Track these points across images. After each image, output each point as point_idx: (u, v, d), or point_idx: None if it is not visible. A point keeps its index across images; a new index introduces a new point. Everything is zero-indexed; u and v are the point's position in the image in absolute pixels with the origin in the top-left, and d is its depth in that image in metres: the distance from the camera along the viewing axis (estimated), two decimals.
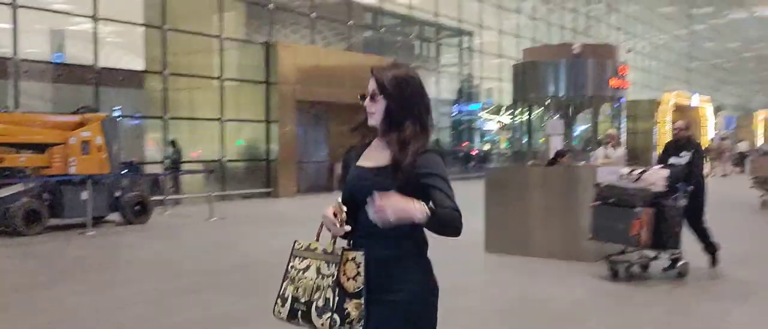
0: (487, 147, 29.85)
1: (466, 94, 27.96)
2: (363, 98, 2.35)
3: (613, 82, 20.05)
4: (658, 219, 6.61)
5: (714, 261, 7.37)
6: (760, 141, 49.09)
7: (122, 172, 12.26)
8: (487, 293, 6.87)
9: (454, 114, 27.60)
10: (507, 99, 28.14)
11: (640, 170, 7.34)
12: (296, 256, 2.34)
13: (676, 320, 5.77)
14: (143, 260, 8.86)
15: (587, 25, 34.85)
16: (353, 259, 2.19)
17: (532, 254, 8.17)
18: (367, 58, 20.44)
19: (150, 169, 16.11)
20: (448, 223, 2.14)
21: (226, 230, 11.58)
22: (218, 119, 17.06)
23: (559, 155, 8.94)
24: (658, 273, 7.11)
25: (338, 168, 19.70)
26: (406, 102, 2.30)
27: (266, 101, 17.75)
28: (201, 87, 17.47)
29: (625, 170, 7.87)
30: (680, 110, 36.95)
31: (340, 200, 2.28)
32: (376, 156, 2.32)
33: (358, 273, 2.18)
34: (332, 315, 2.16)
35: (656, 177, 6.84)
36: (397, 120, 2.29)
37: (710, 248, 7.36)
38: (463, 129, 28.37)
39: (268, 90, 17.73)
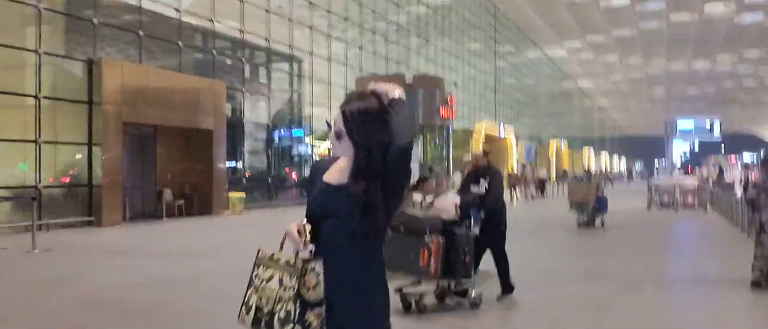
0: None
1: (296, 119, 27.87)
2: (329, 126, 2.41)
3: (442, 111, 21.03)
4: (448, 248, 6.29)
5: (505, 290, 7.14)
6: (553, 168, 53.95)
7: None
8: None
9: (278, 140, 27.34)
10: None
11: (432, 197, 7.35)
12: (260, 265, 2.37)
13: None
14: None
15: (405, 56, 36.26)
16: (313, 269, 2.23)
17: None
18: (197, 81, 19.76)
19: None
20: (404, 128, 2.27)
21: (58, 265, 10.47)
22: (34, 141, 15.47)
23: (422, 180, 9.11)
24: (454, 304, 6.83)
25: (168, 195, 18.71)
26: (370, 137, 2.31)
27: (89, 122, 16.41)
28: (12, 106, 15.80)
29: (418, 197, 8.06)
30: (490, 140, 39.66)
31: (305, 218, 2.33)
32: (340, 172, 2.36)
33: (318, 283, 2.22)
34: (294, 325, 2.20)
35: (447, 204, 6.60)
36: (359, 151, 2.33)
37: (505, 281, 7.16)
38: (287, 155, 28.19)
39: (91, 110, 16.41)
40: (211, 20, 21.95)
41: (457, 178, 10.27)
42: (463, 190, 7.24)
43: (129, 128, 17.37)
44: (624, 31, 46.72)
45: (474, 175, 7.35)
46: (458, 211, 6.53)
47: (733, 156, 78.78)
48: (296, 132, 28.08)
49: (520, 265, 9.70)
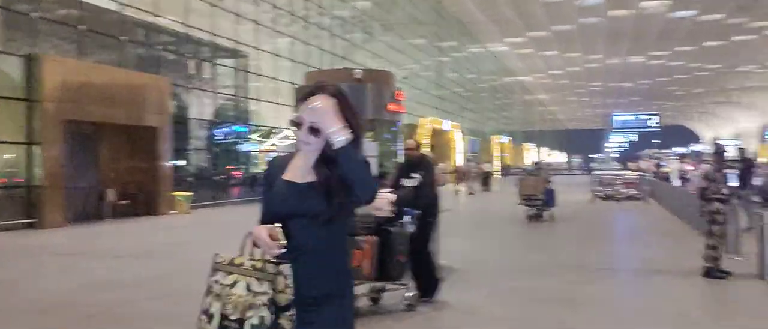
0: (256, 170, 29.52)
1: (241, 115, 27.45)
2: (296, 125, 2.27)
3: (391, 106, 20.99)
4: (383, 248, 5.93)
5: (424, 294, 6.58)
6: (497, 163, 54.76)
7: None
8: None
9: (220, 136, 26.90)
10: (283, 122, 28.18)
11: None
12: (219, 270, 2.24)
13: None
14: None
15: (351, 51, 36.15)
16: (281, 272, 2.16)
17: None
18: (141, 77, 19.23)
19: None
20: (362, 167, 2.20)
21: (2, 269, 10.04)
22: None
23: (382, 175, 9.08)
24: (390, 306, 6.55)
25: (111, 195, 18.18)
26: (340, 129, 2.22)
27: (28, 119, 15.78)
28: None
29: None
30: (436, 134, 39.95)
31: (278, 223, 2.22)
32: (304, 169, 2.30)
33: (287, 285, 2.17)
34: None
35: (382, 202, 5.86)
36: (329, 146, 2.24)
37: (427, 280, 6.62)
38: (231, 152, 27.74)
39: (30, 108, 15.79)
40: (153, 14, 21.39)
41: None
42: (396, 184, 6.83)
43: (70, 126, 16.78)
44: (564, 26, 47.68)
45: (406, 168, 7.05)
46: (393, 207, 5.95)
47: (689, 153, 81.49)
48: (239, 129, 27.68)
49: (475, 261, 9.85)
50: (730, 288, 7.58)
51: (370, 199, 2.26)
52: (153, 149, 19.29)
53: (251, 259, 2.20)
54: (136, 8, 20.86)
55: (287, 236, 2.19)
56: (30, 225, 15.47)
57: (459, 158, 43.56)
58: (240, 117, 27.49)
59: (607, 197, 23.01)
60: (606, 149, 62.13)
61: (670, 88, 74.36)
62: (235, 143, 27.78)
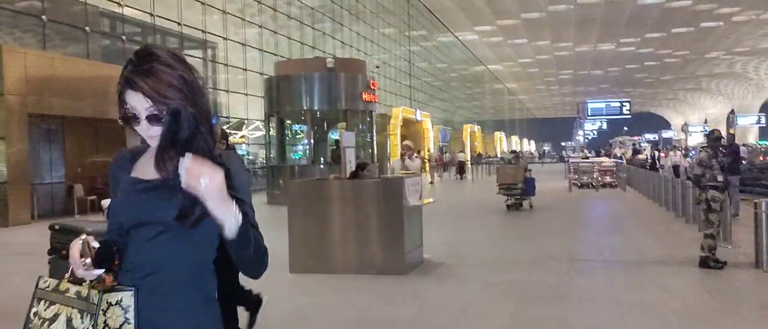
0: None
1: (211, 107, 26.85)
2: (128, 120, 1.70)
3: (365, 96, 20.66)
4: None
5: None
6: (468, 151, 54.74)
7: None
8: (315, 316, 6.39)
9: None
10: (253, 113, 27.66)
11: None
12: (41, 299, 1.71)
13: None
14: None
15: (321, 41, 35.64)
16: (119, 302, 1.60)
17: (338, 271, 7.87)
18: (107, 68, 18.54)
19: None
20: (257, 247, 1.64)
21: None
22: None
23: (361, 167, 8.75)
24: None
25: (79, 190, 17.57)
26: (192, 106, 1.69)
27: None
28: None
29: None
30: (407, 124, 39.69)
31: (88, 231, 1.73)
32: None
33: (126, 321, 1.60)
34: None
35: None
36: (183, 131, 1.67)
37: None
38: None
39: None
40: (119, 4, 20.70)
41: (396, 165, 9.95)
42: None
43: (35, 119, 16.13)
44: (533, 14, 47.68)
45: None
46: None
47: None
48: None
49: (461, 253, 9.58)
50: (729, 278, 7.40)
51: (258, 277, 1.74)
52: (121, 143, 18.63)
53: (76, 284, 1.65)
54: None
55: (128, 252, 1.67)
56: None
57: (431, 148, 43.34)
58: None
59: (583, 185, 22.95)
60: (577, 137, 62.41)
61: (639, 75, 75.15)
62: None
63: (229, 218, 1.53)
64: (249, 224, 1.60)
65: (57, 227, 5.54)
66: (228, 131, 9.90)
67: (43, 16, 17.43)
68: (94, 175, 18.47)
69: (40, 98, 15.82)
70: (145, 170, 1.73)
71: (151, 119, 1.66)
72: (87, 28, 19.12)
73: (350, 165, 9.53)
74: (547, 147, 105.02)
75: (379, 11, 45.33)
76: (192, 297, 1.69)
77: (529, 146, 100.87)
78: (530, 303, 6.62)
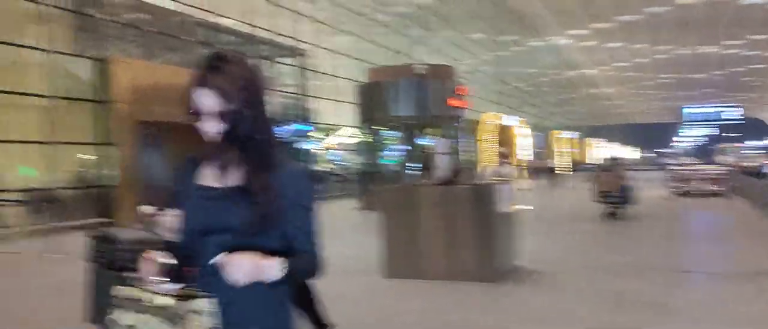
0: (326, 167, 29.56)
1: (300, 114, 27.44)
2: (195, 114, 1.80)
3: (453, 102, 20.58)
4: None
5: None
6: (557, 158, 53.60)
7: None
8: (409, 322, 6.39)
9: (284, 134, 26.90)
10: (344, 119, 28.06)
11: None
12: (118, 307, 1.77)
13: None
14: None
15: (410, 48, 35.75)
16: (200, 310, 1.66)
17: (430, 276, 7.83)
18: None
19: None
20: (304, 274, 1.82)
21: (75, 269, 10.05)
22: (39, 142, 15.06)
23: (457, 172, 8.72)
24: None
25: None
26: (254, 110, 1.79)
27: (99, 121, 16.03)
28: (13, 105, 15.39)
29: None
30: (498, 129, 39.30)
31: (157, 245, 1.80)
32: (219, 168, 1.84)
33: (210, 327, 1.67)
34: None
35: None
36: (244, 131, 1.78)
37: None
38: (295, 150, 27.74)
39: (103, 109, 16.03)
40: (212, 13, 21.51)
41: (488, 171, 9.86)
42: None
43: (143, 126, 17.00)
44: (630, 17, 46.20)
45: None
46: None
47: None
48: (301, 127, 27.68)
49: (554, 260, 9.36)
50: None
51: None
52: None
53: (156, 292, 1.71)
54: (198, 8, 20.99)
55: (204, 256, 1.74)
56: (108, 224, 15.68)
57: (525, 154, 42.74)
58: (301, 115, 27.48)
59: (684, 194, 21.95)
60: (676, 143, 59.99)
61: (745, 78, 71.38)
62: (297, 141, 27.77)
63: (272, 276, 1.68)
64: (292, 270, 1.70)
65: (99, 235, 4.63)
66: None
67: (146, 29, 18.32)
68: None
69: (146, 106, 16.63)
70: (211, 176, 1.83)
71: (213, 116, 1.76)
72: (188, 38, 19.94)
73: (442, 171, 9.51)
74: (649, 154, 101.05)
75: (469, 17, 45.06)
76: (268, 299, 1.77)
77: (632, 153, 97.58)
78: (625, 312, 6.40)
